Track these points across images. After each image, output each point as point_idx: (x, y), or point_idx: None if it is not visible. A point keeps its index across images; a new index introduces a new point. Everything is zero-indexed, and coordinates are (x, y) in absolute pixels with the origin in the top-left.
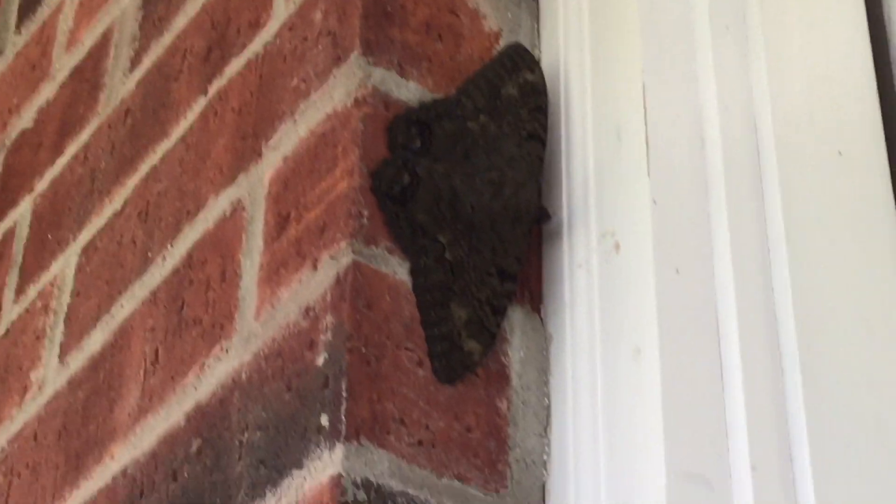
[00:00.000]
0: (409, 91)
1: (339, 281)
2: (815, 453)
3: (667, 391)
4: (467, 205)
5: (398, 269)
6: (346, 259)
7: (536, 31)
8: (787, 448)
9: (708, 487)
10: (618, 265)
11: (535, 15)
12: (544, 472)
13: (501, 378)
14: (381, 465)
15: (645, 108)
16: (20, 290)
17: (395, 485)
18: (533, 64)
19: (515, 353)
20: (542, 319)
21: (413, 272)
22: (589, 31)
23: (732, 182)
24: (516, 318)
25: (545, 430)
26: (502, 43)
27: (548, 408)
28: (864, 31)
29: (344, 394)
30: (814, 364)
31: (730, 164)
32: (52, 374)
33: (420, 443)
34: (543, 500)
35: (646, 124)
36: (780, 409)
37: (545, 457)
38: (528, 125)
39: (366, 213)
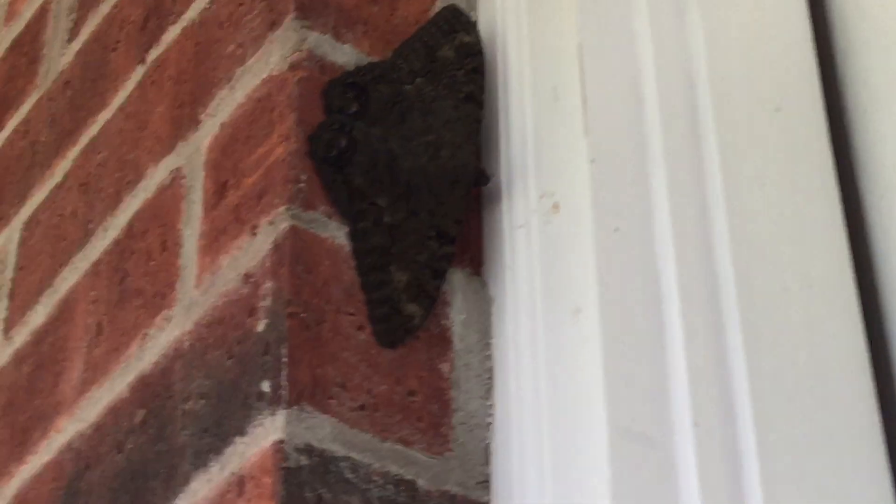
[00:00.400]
0: (345, 54)
1: (277, 246)
2: (757, 409)
3: (607, 350)
4: (405, 168)
5: (337, 234)
6: (284, 224)
7: None
8: (728, 404)
9: (650, 444)
10: (557, 225)
11: None
12: (488, 434)
13: (443, 341)
14: (323, 430)
15: (581, 66)
16: None
17: (337, 449)
18: (469, 26)
19: (457, 315)
20: (483, 282)
21: (352, 236)
22: None
23: (670, 140)
24: (457, 280)
25: (488, 392)
26: (438, 5)
27: (490, 370)
28: None
29: (284, 359)
30: (754, 319)
31: (667, 122)
32: None
33: (362, 407)
34: (487, 462)
35: (582, 83)
36: (721, 366)
37: (488, 419)
38: (465, 87)
39: (303, 177)
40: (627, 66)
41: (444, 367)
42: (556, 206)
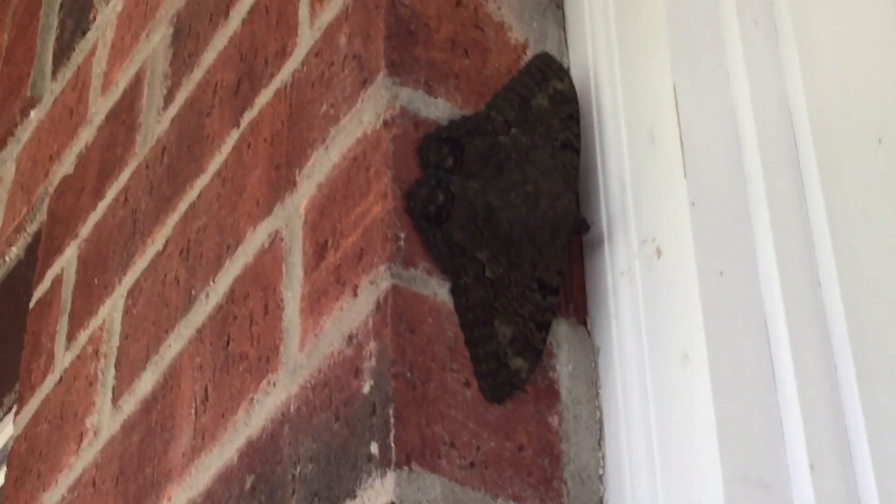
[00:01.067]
0: (438, 109)
1: (379, 306)
2: (875, 449)
3: (718, 395)
4: (504, 220)
5: (438, 291)
6: (385, 283)
7: (563, 40)
8: (845, 445)
9: (766, 490)
10: (660, 271)
11: (561, 23)
12: (601, 486)
13: (551, 393)
14: (434, 490)
15: (677, 108)
16: (71, 337)
17: None
18: (561, 73)
19: (563, 367)
20: (588, 331)
21: (454, 292)
22: (616, 35)
23: (771, 177)
24: (562, 331)
25: (599, 443)
26: (529, 54)
27: (600, 420)
28: None
29: (392, 420)
30: (867, 358)
31: (767, 160)
32: (106, 419)
33: (472, 465)
34: None
35: (679, 125)
36: (836, 406)
37: (600, 471)
38: (561, 135)
39: (402, 235)
40: (724, 105)
41: (553, 420)
42: (658, 251)
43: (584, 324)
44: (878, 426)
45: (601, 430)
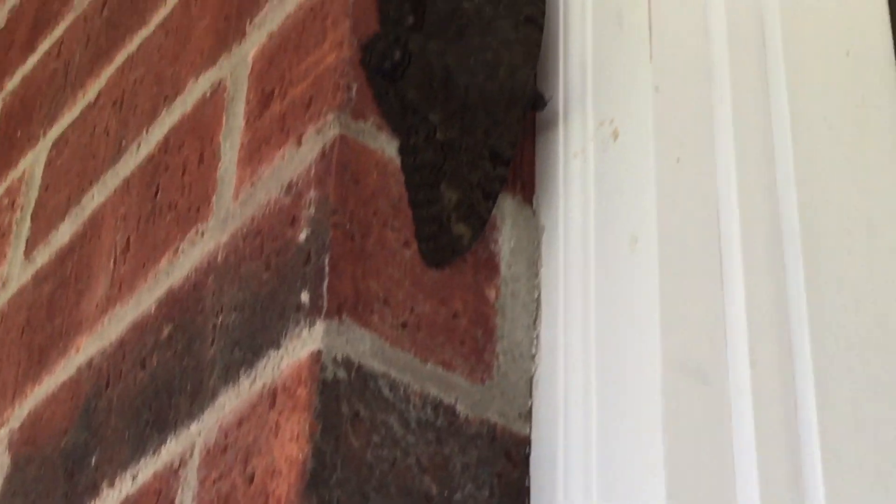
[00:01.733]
0: None
1: (324, 154)
2: (817, 348)
3: (664, 281)
4: (461, 84)
5: (387, 147)
6: (332, 132)
7: None
8: (787, 344)
9: (705, 381)
10: (616, 153)
11: None
12: (532, 365)
13: (490, 266)
14: (363, 345)
15: None
16: None
17: (377, 366)
18: None
19: (505, 242)
20: (534, 210)
21: (402, 150)
22: None
23: (737, 73)
24: (507, 207)
25: (534, 322)
26: None
27: (538, 300)
28: None
29: (326, 269)
30: (816, 258)
31: (735, 56)
32: (16, 271)
33: (404, 325)
34: (530, 394)
35: (649, 9)
36: (782, 304)
37: (533, 350)
38: (526, 8)
39: (355, 86)
40: None
41: (490, 293)
42: (615, 133)
43: (531, 202)
44: (821, 329)
45: (538, 309)
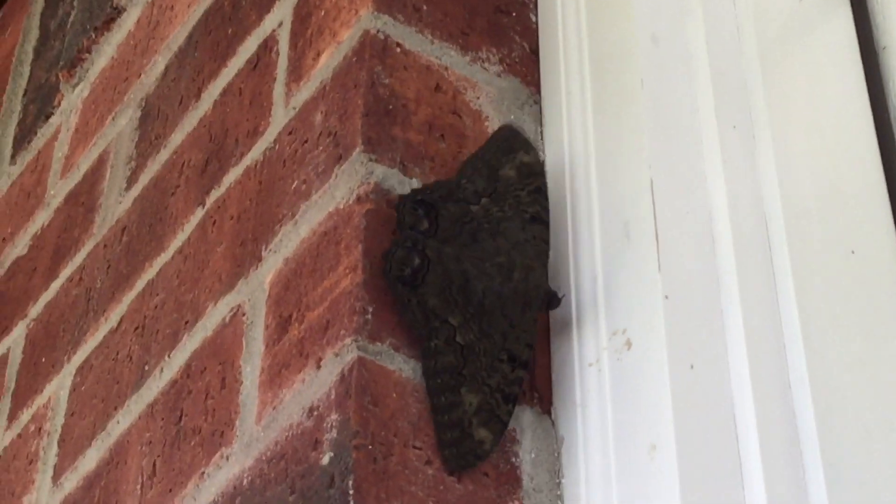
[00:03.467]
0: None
1: (343, 378)
2: None
3: (685, 487)
4: (478, 289)
5: (404, 367)
6: (350, 355)
7: (540, 134)
8: None
9: None
10: (630, 363)
11: (538, 119)
12: None
13: (512, 479)
14: None
15: (654, 203)
16: (12, 416)
17: None
18: (527, 146)
19: (526, 454)
20: (552, 420)
21: (424, 354)
22: (594, 130)
23: (745, 277)
24: (526, 418)
25: None
26: None
27: None
28: (871, 128)
29: (350, 492)
30: (836, 460)
31: (741, 260)
32: (45, 497)
33: None
34: None
35: (655, 219)
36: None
37: None
38: (530, 208)
39: (370, 308)
40: (700, 203)
41: None
42: (628, 343)
43: (549, 413)
44: None
45: None
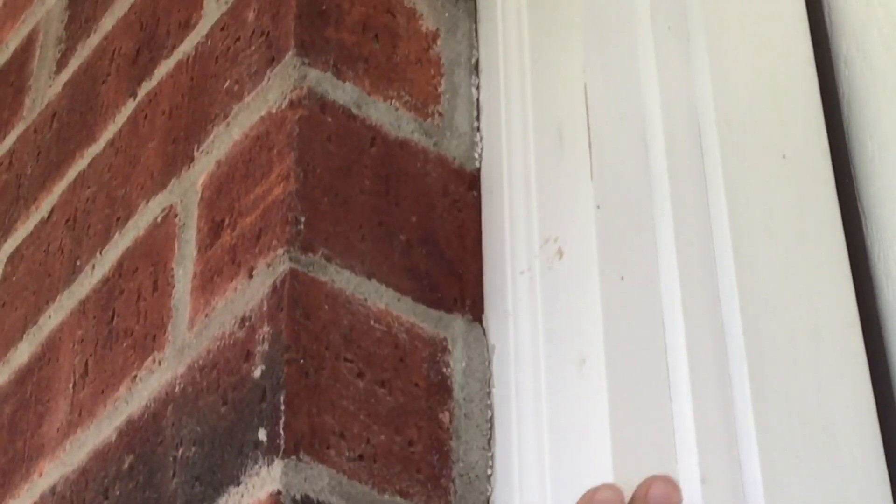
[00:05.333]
0: (346, 92)
1: (275, 290)
2: (765, 463)
3: (613, 401)
4: None
5: (336, 277)
6: (282, 267)
7: (474, 32)
8: (736, 459)
9: None
10: (561, 272)
11: (473, 15)
12: (488, 485)
13: (443, 389)
14: (321, 481)
15: (587, 109)
16: None
17: (335, 501)
18: None
19: (457, 363)
20: (483, 329)
21: None
22: (528, 31)
23: (677, 185)
24: (457, 327)
25: (488, 442)
26: (440, 43)
27: (491, 420)
28: (806, 33)
29: (282, 407)
30: (761, 369)
31: (674, 167)
32: None
33: (361, 457)
34: None
35: (588, 126)
36: (729, 419)
37: (489, 471)
38: None
39: (302, 218)
40: (634, 109)
41: (444, 417)
42: (560, 252)
43: (480, 321)
44: (768, 441)
45: (492, 429)
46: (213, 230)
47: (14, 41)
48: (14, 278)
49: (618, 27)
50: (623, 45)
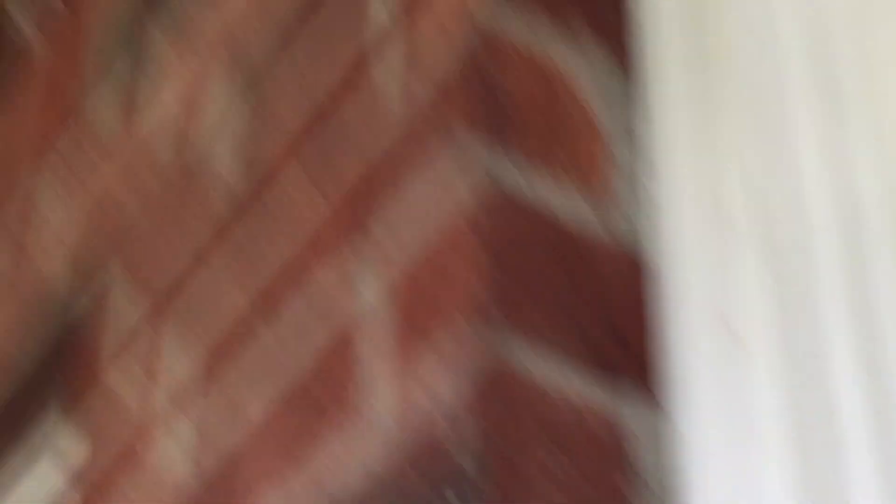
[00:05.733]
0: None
1: (475, 380)
2: None
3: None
4: None
5: (532, 366)
6: (481, 356)
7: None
8: None
9: None
10: (736, 353)
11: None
12: None
13: (637, 479)
14: None
15: (746, 186)
16: None
17: None
18: None
19: (647, 453)
20: (665, 412)
21: None
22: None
23: (845, 260)
24: (641, 413)
25: None
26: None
27: None
28: None
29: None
30: None
31: (841, 242)
32: None
33: None
34: None
35: (749, 203)
36: None
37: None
38: None
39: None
40: (794, 184)
41: None
42: (733, 332)
43: (661, 404)
44: None
45: None
46: (408, 317)
47: None
48: None
49: (773, 102)
50: (778, 118)
